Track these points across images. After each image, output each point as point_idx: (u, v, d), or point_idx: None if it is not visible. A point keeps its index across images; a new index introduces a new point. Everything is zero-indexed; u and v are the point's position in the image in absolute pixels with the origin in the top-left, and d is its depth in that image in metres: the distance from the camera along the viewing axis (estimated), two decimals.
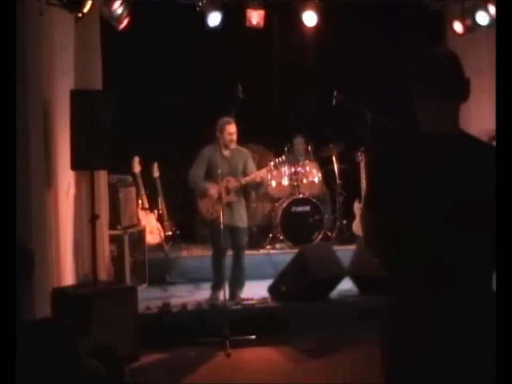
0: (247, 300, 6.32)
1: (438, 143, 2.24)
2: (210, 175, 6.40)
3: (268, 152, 8.57)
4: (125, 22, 6.84)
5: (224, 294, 5.88)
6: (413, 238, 2.23)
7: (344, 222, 8.44)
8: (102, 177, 6.25)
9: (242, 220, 6.48)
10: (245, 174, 6.42)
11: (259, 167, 6.72)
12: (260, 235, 8.33)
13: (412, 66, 2.32)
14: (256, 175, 6.43)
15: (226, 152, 6.44)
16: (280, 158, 6.78)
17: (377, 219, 2.32)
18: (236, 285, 6.42)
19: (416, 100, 2.32)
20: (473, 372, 2.17)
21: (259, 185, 6.76)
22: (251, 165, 6.54)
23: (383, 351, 2.33)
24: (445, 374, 2.22)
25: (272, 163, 6.70)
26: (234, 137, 6.40)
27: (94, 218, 5.43)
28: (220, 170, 6.29)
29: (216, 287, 6.41)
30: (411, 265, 2.24)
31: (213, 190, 6.31)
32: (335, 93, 8.17)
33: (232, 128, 6.38)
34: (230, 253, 6.50)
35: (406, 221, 2.23)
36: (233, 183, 6.33)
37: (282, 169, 7.90)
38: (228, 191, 6.29)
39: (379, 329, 2.32)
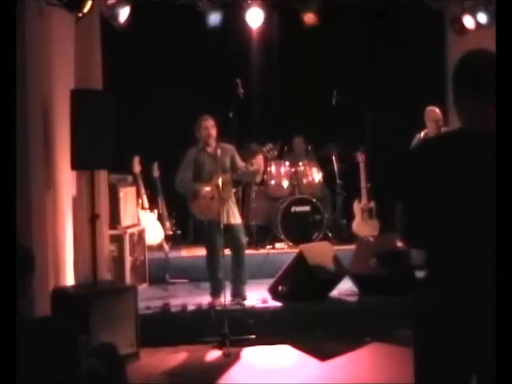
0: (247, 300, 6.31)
1: (477, 141, 2.27)
2: (198, 176, 6.35)
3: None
4: (125, 21, 6.84)
5: (224, 294, 5.87)
6: (450, 236, 2.25)
7: (344, 222, 8.44)
8: (102, 177, 6.23)
9: (236, 216, 6.40)
10: (233, 169, 6.35)
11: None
12: (260, 235, 8.33)
13: (454, 68, 2.36)
14: (250, 163, 6.31)
15: (210, 150, 6.38)
16: (268, 146, 6.48)
17: (414, 218, 2.34)
18: (239, 282, 6.34)
19: (458, 99, 2.35)
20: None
21: (255, 173, 6.41)
22: (238, 159, 6.46)
23: (416, 349, 2.34)
24: (477, 371, 2.24)
25: (260, 154, 6.39)
26: (212, 131, 6.35)
27: (94, 218, 5.44)
28: (208, 170, 6.26)
29: (215, 294, 6.30)
30: (447, 263, 2.27)
31: (205, 189, 6.27)
32: (335, 93, 8.17)
33: (208, 123, 6.36)
34: (228, 253, 6.44)
35: (442, 219, 2.25)
36: (224, 179, 6.17)
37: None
38: (220, 188, 6.10)
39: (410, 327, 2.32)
